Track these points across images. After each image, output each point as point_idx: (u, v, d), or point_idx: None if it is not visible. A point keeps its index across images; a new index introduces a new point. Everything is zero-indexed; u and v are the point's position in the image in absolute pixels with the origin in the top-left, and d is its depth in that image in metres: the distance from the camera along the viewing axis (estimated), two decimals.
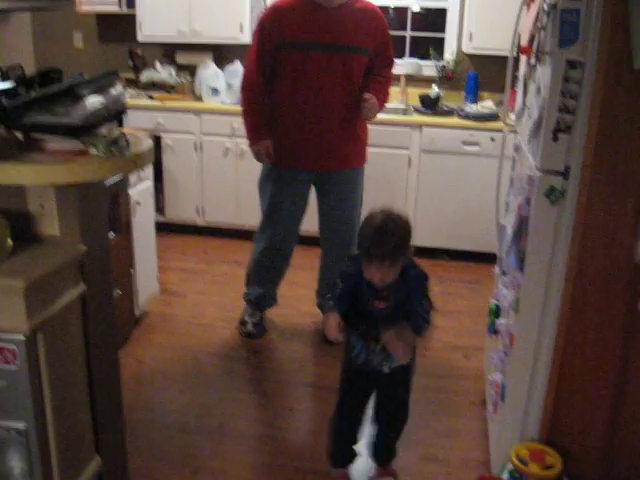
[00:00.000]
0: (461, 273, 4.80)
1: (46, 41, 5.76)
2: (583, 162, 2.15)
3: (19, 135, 1.83)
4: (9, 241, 1.82)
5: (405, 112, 5.14)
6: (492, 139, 4.67)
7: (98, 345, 2.08)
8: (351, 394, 2.62)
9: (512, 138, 3.03)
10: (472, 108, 4.96)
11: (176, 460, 2.79)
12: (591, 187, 2.14)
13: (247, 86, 3.46)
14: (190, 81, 5.46)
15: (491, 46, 4.77)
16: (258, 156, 3.51)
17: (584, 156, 2.14)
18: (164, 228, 5.09)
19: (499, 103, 4.89)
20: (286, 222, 3.63)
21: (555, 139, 2.18)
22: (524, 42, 2.71)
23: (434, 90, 5.19)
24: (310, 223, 3.76)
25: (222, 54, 5.49)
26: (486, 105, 4.97)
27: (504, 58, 3.03)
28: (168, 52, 5.64)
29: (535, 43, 2.51)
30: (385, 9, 5.33)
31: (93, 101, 1.81)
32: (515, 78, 3.12)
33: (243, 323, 3.88)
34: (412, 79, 5.36)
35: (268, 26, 3.32)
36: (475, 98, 5.19)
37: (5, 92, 1.81)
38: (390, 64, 3.57)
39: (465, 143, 4.79)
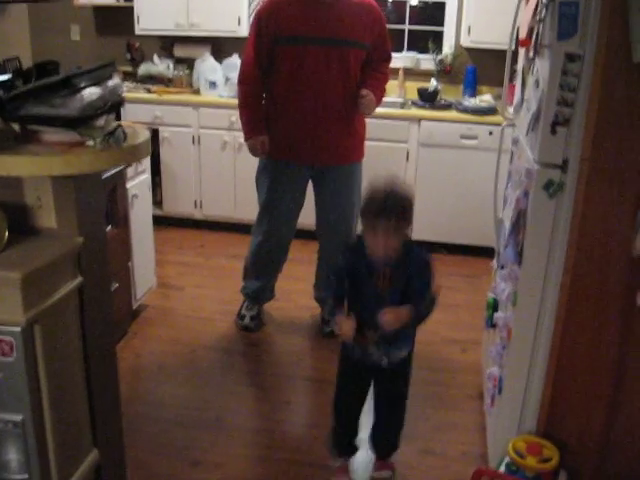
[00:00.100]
0: (459, 267, 4.80)
1: (43, 34, 5.74)
2: (581, 155, 2.14)
3: (16, 127, 1.82)
4: (5, 233, 1.81)
5: (403, 106, 5.13)
6: (490, 133, 4.67)
7: (95, 337, 2.07)
8: (348, 389, 2.62)
9: (510, 132, 3.02)
10: (470, 102, 4.96)
11: (174, 453, 2.79)
12: (589, 180, 2.13)
13: (244, 80, 3.45)
14: (188, 74, 5.45)
15: (489, 40, 4.76)
16: (253, 150, 3.50)
17: (582, 149, 2.13)
18: (162, 222, 5.09)
19: (497, 97, 4.89)
20: (283, 216, 3.62)
21: (553, 132, 2.17)
22: (523, 35, 2.70)
23: (432, 84, 5.18)
24: (307, 217, 3.76)
25: (220, 47, 5.48)
26: (484, 99, 4.97)
27: (502, 52, 3.02)
28: (166, 45, 5.63)
29: (534, 36, 2.50)
30: (383, 2, 5.33)
31: (90, 92, 1.79)
32: (514, 72, 3.11)
33: (241, 316, 3.88)
34: (410, 73, 5.36)
35: (265, 19, 3.31)
36: (473, 92, 5.18)
37: (2, 84, 1.80)
38: (388, 59, 3.56)
39: (463, 137, 4.78)
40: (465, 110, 4.87)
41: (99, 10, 5.68)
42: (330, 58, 3.29)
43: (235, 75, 3.59)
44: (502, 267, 2.74)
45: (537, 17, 2.42)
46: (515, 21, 2.77)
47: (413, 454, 2.78)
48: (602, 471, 2.38)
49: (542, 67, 2.30)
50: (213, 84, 5.22)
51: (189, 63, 5.46)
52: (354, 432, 2.69)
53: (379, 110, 3.77)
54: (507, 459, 2.37)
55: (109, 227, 3.29)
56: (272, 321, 3.96)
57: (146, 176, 3.82)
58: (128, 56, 5.51)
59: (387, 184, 2.26)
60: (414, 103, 5.15)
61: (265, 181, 3.58)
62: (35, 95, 1.76)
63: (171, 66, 5.47)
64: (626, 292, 2.19)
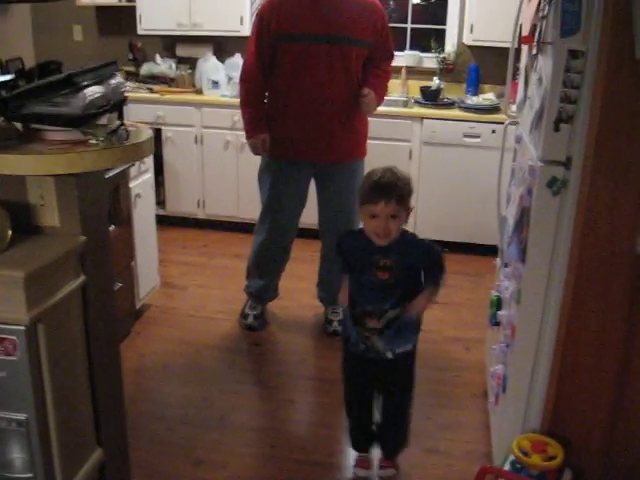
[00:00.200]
0: (462, 266, 4.78)
1: (46, 34, 5.74)
2: (585, 152, 2.13)
3: (18, 125, 1.82)
4: (9, 232, 1.81)
5: (406, 104, 5.13)
6: (493, 131, 4.66)
7: (99, 336, 2.07)
8: (354, 382, 2.63)
9: (513, 130, 3.01)
10: (473, 100, 4.96)
11: (177, 452, 2.79)
12: (593, 177, 2.12)
13: (246, 78, 3.45)
14: (190, 74, 5.44)
15: (492, 38, 4.75)
16: (255, 149, 3.50)
17: (586, 146, 2.12)
18: (165, 221, 5.09)
19: (500, 95, 4.88)
20: (285, 214, 3.62)
21: (557, 129, 2.16)
22: (525, 32, 2.70)
23: (435, 82, 5.18)
24: (310, 216, 3.75)
25: (222, 47, 5.48)
26: (487, 97, 4.97)
27: (505, 50, 3.01)
28: (168, 45, 5.63)
29: (536, 33, 2.50)
30: (386, 1, 5.32)
31: (92, 91, 1.80)
32: (516, 69, 3.11)
33: (244, 316, 3.88)
34: (413, 71, 5.36)
35: (267, 18, 3.31)
36: (476, 90, 5.17)
37: (4, 84, 1.80)
38: (390, 57, 3.56)
39: (466, 135, 4.78)
40: (468, 108, 4.87)
41: (101, 10, 5.69)
42: (332, 56, 3.28)
43: (237, 75, 3.59)
44: (506, 265, 2.74)
45: (540, 14, 2.41)
46: (518, 18, 2.76)
47: (417, 453, 2.77)
48: (607, 469, 2.37)
49: (545, 64, 2.29)
50: (215, 84, 5.22)
51: (191, 63, 5.46)
52: (369, 424, 2.68)
53: (382, 108, 3.76)
54: (512, 457, 2.36)
55: (112, 226, 3.28)
56: (275, 320, 3.96)
57: (149, 175, 3.82)
58: (130, 56, 5.51)
59: (384, 169, 2.31)
60: (417, 101, 5.14)
61: (267, 179, 3.58)
62: (38, 94, 1.77)
63: (173, 66, 5.46)
64: (630, 289, 2.19)
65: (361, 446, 2.73)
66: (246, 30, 5.04)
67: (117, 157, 1.88)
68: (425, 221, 4.95)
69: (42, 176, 1.85)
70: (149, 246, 3.88)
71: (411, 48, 5.49)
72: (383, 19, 3.42)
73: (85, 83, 1.80)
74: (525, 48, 2.89)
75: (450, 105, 5.03)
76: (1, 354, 1.74)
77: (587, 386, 2.32)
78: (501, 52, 4.11)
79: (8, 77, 1.89)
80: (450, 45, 5.31)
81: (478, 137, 4.75)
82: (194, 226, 5.42)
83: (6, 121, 1.81)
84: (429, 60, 5.35)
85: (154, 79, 5.44)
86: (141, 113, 4.94)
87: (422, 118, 4.84)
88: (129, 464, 2.42)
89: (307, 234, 4.13)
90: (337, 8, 3.28)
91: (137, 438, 2.77)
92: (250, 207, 4.59)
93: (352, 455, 2.76)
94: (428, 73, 5.32)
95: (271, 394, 3.30)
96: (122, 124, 1.90)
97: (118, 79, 1.95)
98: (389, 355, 2.45)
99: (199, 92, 5.32)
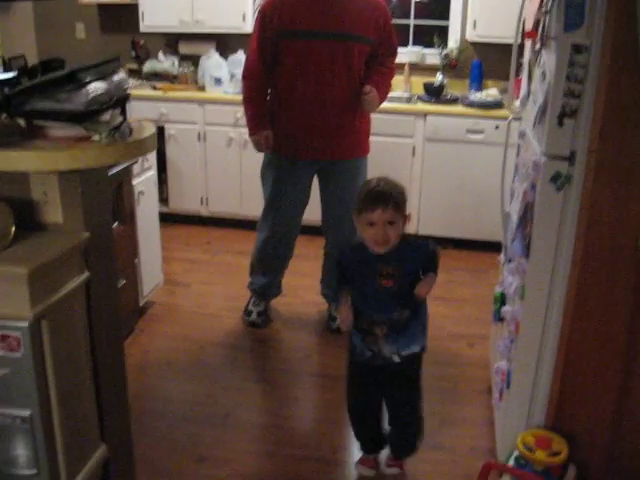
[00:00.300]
0: (465, 262, 4.78)
1: (48, 32, 5.75)
2: (589, 147, 2.12)
3: (21, 122, 1.82)
4: (12, 228, 1.81)
5: (409, 101, 5.13)
6: (496, 127, 4.65)
7: (103, 332, 2.07)
8: (361, 392, 2.61)
9: (517, 126, 3.01)
10: (476, 96, 4.94)
11: (181, 449, 2.79)
12: (597, 172, 2.12)
13: (248, 75, 3.44)
14: (193, 71, 5.45)
15: (495, 34, 4.74)
16: (258, 146, 3.50)
17: (590, 141, 2.12)
18: (168, 219, 5.09)
19: (503, 91, 4.87)
20: (288, 210, 3.61)
21: (560, 124, 2.16)
22: (529, 27, 2.69)
23: (438, 78, 5.17)
24: (313, 213, 3.75)
25: (225, 44, 5.47)
26: (490, 93, 4.95)
27: (508, 46, 3.00)
28: (171, 42, 5.62)
29: (540, 28, 2.49)
30: None
31: (95, 87, 1.79)
32: (520, 66, 3.10)
33: (248, 313, 3.88)
34: (416, 67, 5.35)
35: (269, 14, 3.30)
36: (479, 86, 5.16)
37: (7, 82, 1.80)
38: (393, 54, 3.55)
39: (469, 131, 4.77)
40: (471, 104, 4.86)
41: (103, 8, 5.68)
42: (334, 53, 3.27)
43: (240, 71, 3.58)
44: (509, 261, 2.73)
45: (543, 8, 2.40)
46: (521, 14, 2.75)
47: (421, 449, 2.75)
48: (611, 464, 2.37)
49: (549, 59, 2.29)
50: (218, 81, 5.22)
51: (194, 60, 5.46)
52: (379, 431, 2.68)
53: (385, 105, 3.76)
54: (516, 453, 2.36)
55: (115, 224, 3.29)
56: (279, 317, 3.96)
57: (152, 173, 3.82)
58: (133, 53, 5.50)
59: (378, 178, 2.32)
60: (420, 98, 5.14)
61: (270, 176, 3.57)
62: (40, 90, 1.76)
63: (176, 63, 5.47)
64: (634, 285, 2.18)
65: (370, 448, 2.71)
66: (248, 27, 5.04)
67: (120, 153, 1.87)
68: (428, 217, 4.95)
69: (45, 173, 1.85)
70: (152, 243, 3.88)
71: (414, 44, 5.48)
72: (386, 16, 3.41)
73: (88, 79, 1.79)
74: (528, 44, 2.89)
75: (453, 101, 5.02)
76: (5, 351, 1.74)
77: (591, 381, 2.32)
78: (504, 48, 4.11)
79: (11, 74, 1.89)
80: (453, 41, 5.30)
81: (481, 133, 4.75)
82: (197, 223, 5.42)
83: (9, 118, 1.80)
84: (432, 56, 5.34)
85: (157, 76, 5.45)
86: (144, 110, 4.94)
87: (425, 114, 4.83)
88: (133, 460, 2.42)
89: (310, 231, 4.12)
90: (339, 5, 3.27)
91: (141, 435, 2.77)
92: (253, 204, 4.59)
93: (356, 452, 2.76)
94: (431, 69, 5.31)
95: (275, 391, 3.30)
96: (125, 120, 1.89)
97: (121, 75, 1.93)
98: (396, 359, 2.42)
99: (202, 89, 5.32)
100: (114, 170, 3.14)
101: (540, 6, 2.45)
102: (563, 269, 2.27)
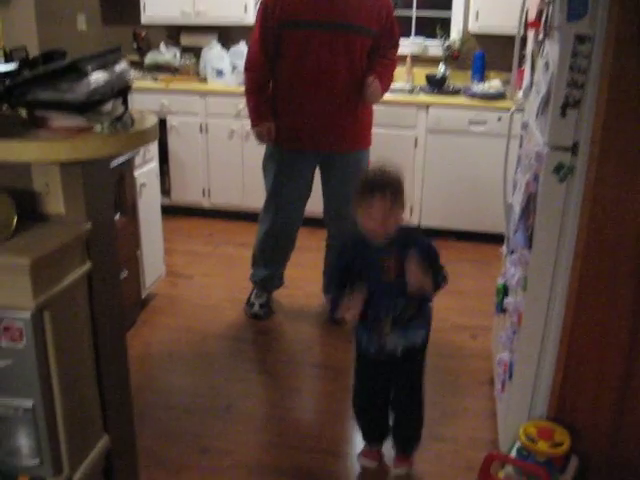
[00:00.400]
0: (468, 254, 4.78)
1: (49, 24, 5.73)
2: (592, 138, 2.12)
3: (23, 113, 1.81)
4: (14, 219, 1.81)
5: (411, 92, 5.11)
6: (499, 118, 4.63)
7: (105, 323, 2.07)
8: (369, 387, 2.61)
9: (519, 117, 3.00)
10: (479, 87, 4.92)
11: (184, 440, 2.79)
12: (600, 163, 2.11)
13: (250, 66, 3.44)
14: (195, 63, 5.44)
15: (498, 24, 4.73)
16: (260, 137, 3.49)
17: (593, 131, 2.11)
18: (170, 211, 5.09)
19: (506, 82, 4.85)
20: (290, 202, 3.61)
21: (563, 115, 2.15)
22: (532, 17, 2.68)
23: (440, 70, 5.16)
24: (315, 205, 3.74)
25: (227, 35, 5.46)
26: (493, 84, 4.93)
27: (511, 37, 3.01)
28: (172, 34, 5.62)
29: (543, 18, 2.48)
30: None
31: (97, 77, 1.78)
32: (522, 57, 3.08)
33: (250, 304, 3.88)
34: (418, 59, 5.34)
35: (271, 4, 3.29)
36: (482, 77, 5.14)
37: (9, 74, 1.80)
38: (395, 45, 3.54)
39: (472, 123, 4.76)
40: (473, 96, 4.84)
41: None
42: (336, 44, 3.26)
43: (242, 63, 3.57)
44: (512, 252, 2.73)
45: None
46: (524, 4, 2.74)
47: (423, 440, 2.75)
48: (614, 455, 2.37)
49: (552, 49, 2.27)
50: (220, 72, 5.20)
51: (196, 51, 5.45)
52: (385, 417, 2.66)
53: (387, 96, 3.74)
54: (518, 444, 2.36)
55: (118, 215, 3.28)
56: (281, 309, 3.96)
57: (154, 164, 3.82)
58: (135, 45, 5.50)
59: (376, 166, 2.35)
60: (422, 89, 5.13)
61: (272, 168, 3.57)
62: (42, 80, 1.75)
63: (178, 55, 5.45)
64: (637, 275, 2.18)
65: (373, 441, 2.71)
66: (250, 18, 5.02)
67: (122, 144, 1.86)
68: (431, 209, 4.94)
69: (47, 163, 1.84)
70: (154, 235, 3.88)
71: (416, 35, 5.45)
72: (388, 7, 3.40)
73: (90, 69, 1.78)
74: (531, 35, 2.87)
75: (456, 93, 5.01)
76: (7, 341, 1.74)
77: (594, 372, 2.32)
78: (507, 39, 4.10)
79: (12, 66, 1.88)
80: (455, 32, 5.28)
81: (484, 125, 4.73)
82: (199, 215, 5.42)
83: (10, 108, 1.80)
84: (434, 48, 5.32)
85: (158, 68, 5.43)
86: (146, 102, 4.94)
87: (427, 106, 4.82)
88: (136, 451, 2.41)
89: (312, 223, 4.12)
90: None
91: (143, 426, 2.78)
92: (255, 196, 4.58)
93: (359, 444, 2.76)
94: (433, 61, 5.29)
95: (277, 382, 3.30)
96: (127, 111, 1.88)
97: (123, 65, 1.92)
98: (399, 351, 2.42)
99: (203, 81, 5.31)
100: (116, 162, 3.13)
101: None
102: (566, 260, 2.26)
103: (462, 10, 5.23)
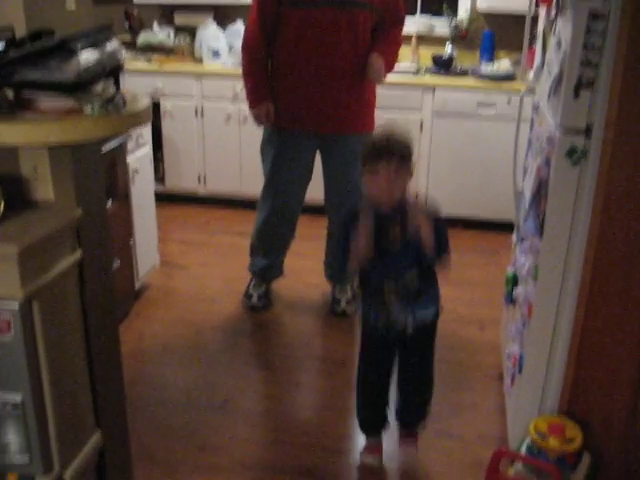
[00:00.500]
0: (476, 242, 4.71)
1: (37, 3, 5.59)
2: (606, 120, 2.04)
3: (9, 93, 1.74)
4: (1, 206, 1.74)
5: (417, 73, 4.99)
6: (509, 101, 4.55)
7: (97, 314, 2.01)
8: (374, 364, 2.56)
9: (530, 99, 2.91)
10: (487, 68, 4.81)
11: (179, 436, 2.74)
12: (614, 146, 2.03)
13: (248, 46, 3.35)
14: (190, 43, 5.33)
15: (507, 2, 4.61)
16: (258, 119, 3.41)
17: (607, 113, 2.04)
18: (164, 198, 5.02)
19: (516, 63, 4.76)
20: (289, 187, 3.52)
21: (576, 96, 2.08)
22: None
23: (447, 50, 5.06)
24: (315, 192, 3.65)
25: (223, 14, 5.35)
26: (502, 65, 4.82)
27: (521, 16, 2.92)
28: (166, 12, 5.51)
29: None
30: None
31: (87, 56, 1.73)
32: (533, 36, 2.99)
33: (248, 296, 3.80)
34: (424, 39, 5.24)
35: None
36: (491, 58, 5.04)
37: None
38: (400, 22, 3.44)
39: (480, 105, 4.67)
40: (482, 77, 4.75)
41: None
42: (338, 21, 3.17)
43: (239, 43, 3.48)
44: (522, 240, 2.66)
45: None
46: None
47: (430, 436, 2.71)
48: (628, 452, 2.31)
49: (564, 27, 2.21)
50: (216, 53, 5.09)
51: (191, 31, 5.34)
52: (385, 404, 2.63)
53: (391, 78, 3.66)
54: (528, 440, 2.30)
55: (109, 202, 3.19)
56: (280, 300, 3.88)
57: (147, 150, 3.74)
58: (126, 25, 5.39)
59: (384, 129, 2.32)
60: (428, 70, 5.03)
61: (270, 152, 3.47)
62: (29, 60, 1.69)
63: (172, 35, 5.34)
64: None
65: (372, 429, 2.66)
66: None
67: (113, 126, 1.79)
68: (437, 196, 4.83)
69: (35, 147, 1.78)
70: (148, 223, 3.81)
71: (422, 14, 5.35)
72: None
73: (79, 48, 1.72)
74: (542, 12, 2.79)
75: (463, 74, 4.91)
76: None
77: (607, 365, 2.25)
78: (516, 18, 4.00)
79: None
80: (463, 11, 5.18)
81: (493, 107, 4.65)
82: (195, 203, 5.34)
83: None
84: (441, 27, 5.21)
85: (152, 49, 5.31)
86: (138, 85, 4.79)
87: (434, 88, 4.72)
88: (129, 448, 2.36)
89: (313, 211, 4.03)
90: None
91: (137, 422, 2.73)
92: (253, 182, 4.50)
93: (360, 440, 2.70)
94: (440, 40, 5.19)
95: (276, 377, 3.24)
96: (118, 91, 1.81)
97: (114, 44, 1.86)
98: (410, 327, 2.37)
99: (199, 62, 5.20)
100: (107, 147, 3.06)
101: None
102: (578, 248, 2.20)
103: None
